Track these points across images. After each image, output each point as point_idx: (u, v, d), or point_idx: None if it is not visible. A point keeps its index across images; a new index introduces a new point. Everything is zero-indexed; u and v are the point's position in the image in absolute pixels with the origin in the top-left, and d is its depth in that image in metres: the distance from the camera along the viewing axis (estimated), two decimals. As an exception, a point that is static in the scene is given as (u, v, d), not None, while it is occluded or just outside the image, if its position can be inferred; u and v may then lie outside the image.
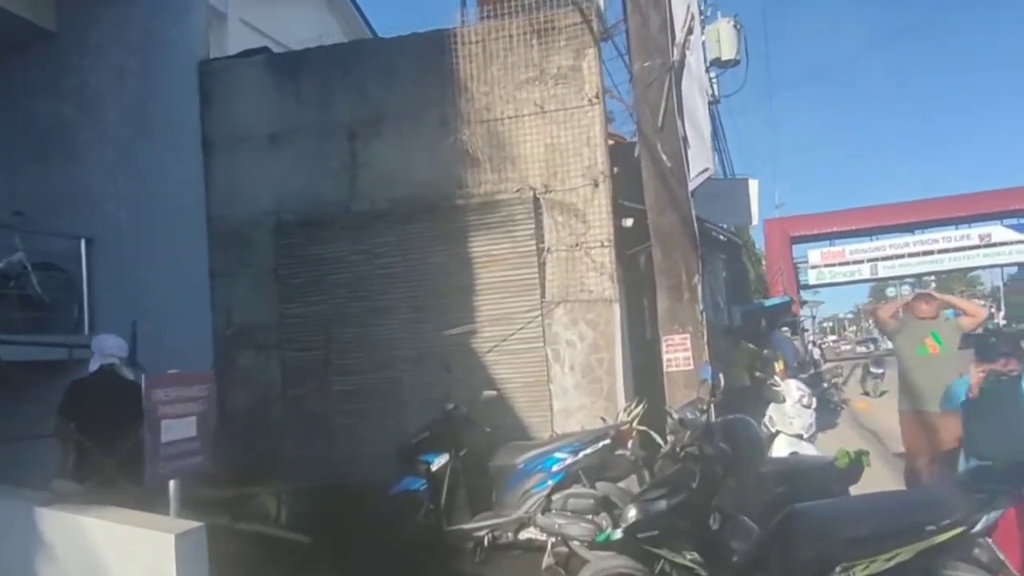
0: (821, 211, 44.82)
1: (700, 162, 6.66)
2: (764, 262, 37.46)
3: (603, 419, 6.53)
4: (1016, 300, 63.76)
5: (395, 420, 7.18)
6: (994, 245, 41.01)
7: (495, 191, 7.23)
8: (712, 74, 17.09)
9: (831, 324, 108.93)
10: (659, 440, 5.99)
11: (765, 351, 7.70)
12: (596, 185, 6.97)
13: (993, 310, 73.78)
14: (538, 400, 7.07)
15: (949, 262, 43.13)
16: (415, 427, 6.54)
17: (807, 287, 43.69)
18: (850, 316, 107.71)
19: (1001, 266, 49.52)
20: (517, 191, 7.15)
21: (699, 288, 6.40)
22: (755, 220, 10.30)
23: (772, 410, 6.49)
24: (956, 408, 4.63)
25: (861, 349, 48.21)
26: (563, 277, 7.04)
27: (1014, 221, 40.33)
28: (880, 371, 19.20)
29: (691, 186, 6.52)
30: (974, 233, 41.19)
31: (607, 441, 5.88)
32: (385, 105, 7.59)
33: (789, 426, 6.29)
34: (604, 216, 6.95)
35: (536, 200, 7.11)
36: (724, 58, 16.44)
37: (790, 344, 14.38)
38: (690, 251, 6.40)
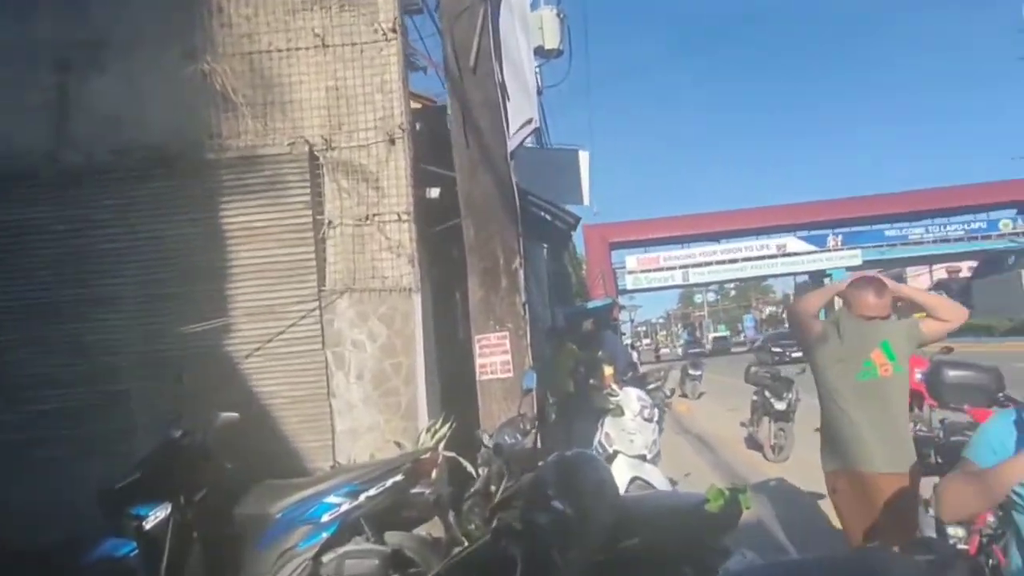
0: (638, 218, 46.43)
1: (522, 113, 5.33)
2: (584, 266, 37.75)
3: (398, 444, 5.01)
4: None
5: (119, 450, 5.20)
6: (789, 255, 43.98)
7: (259, 144, 5.49)
8: (535, 63, 16.27)
9: (645, 328, 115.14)
10: (473, 471, 4.56)
11: (600, 352, 6.55)
12: (392, 142, 5.43)
13: (784, 315, 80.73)
14: (315, 420, 5.41)
15: (751, 270, 46.08)
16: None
17: (625, 291, 44.95)
18: (661, 321, 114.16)
19: (793, 275, 53.79)
20: (289, 145, 5.45)
21: (520, 273, 5.06)
22: (586, 199, 9.14)
23: (609, 426, 5.28)
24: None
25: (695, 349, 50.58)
26: (349, 259, 5.43)
27: (805, 233, 43.51)
28: (698, 373, 19.28)
29: (511, 144, 5.17)
30: (772, 243, 44.05)
31: (399, 477, 4.34)
32: (111, 27, 5.63)
33: (630, 445, 5.09)
34: (403, 182, 5.42)
35: (313, 158, 5.45)
36: (547, 47, 15.58)
37: (622, 346, 13.60)
38: (509, 226, 5.04)
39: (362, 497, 4.27)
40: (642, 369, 21.20)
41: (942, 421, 5.19)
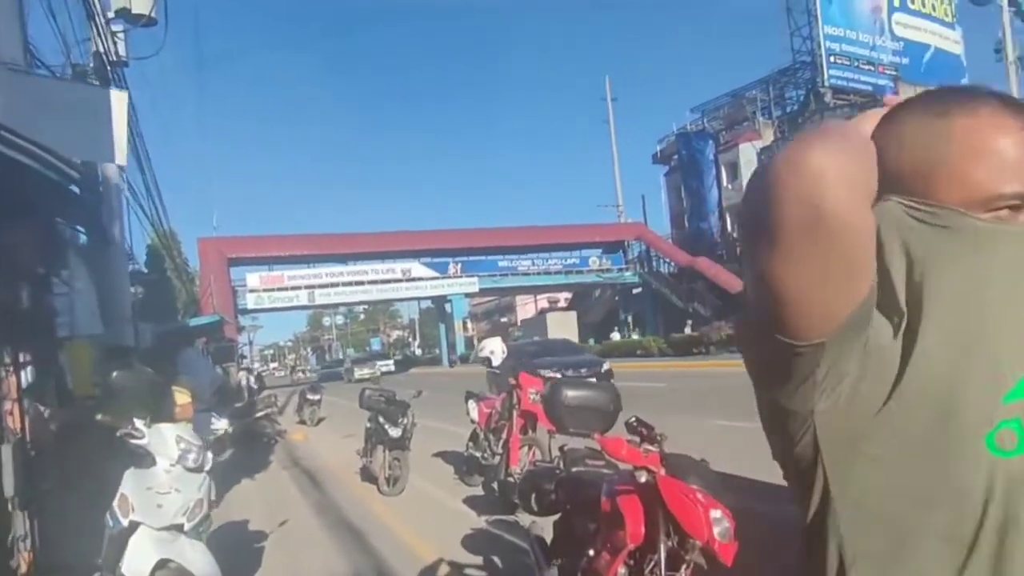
0: (260, 234, 43.63)
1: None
2: (198, 282, 33.95)
3: None
4: (426, 331, 72.68)
5: None
6: (413, 280, 44.91)
7: None
8: (119, 28, 13.47)
9: (272, 352, 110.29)
10: None
11: (115, 374, 4.62)
12: None
13: (411, 339, 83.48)
14: None
15: (377, 293, 46.03)
16: None
17: (247, 311, 41.63)
18: (290, 343, 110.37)
19: (418, 299, 55.24)
20: None
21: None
22: (120, 156, 6.72)
23: (128, 483, 3.53)
24: None
25: (364, 372, 45.85)
26: None
27: (429, 260, 44.91)
28: (317, 397, 17.76)
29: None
30: (397, 267, 44.59)
31: None
32: None
33: (157, 512, 3.40)
34: None
35: None
36: (135, 11, 12.92)
37: (208, 367, 11.42)
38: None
39: None
40: (261, 395, 19.10)
41: (562, 448, 4.46)
